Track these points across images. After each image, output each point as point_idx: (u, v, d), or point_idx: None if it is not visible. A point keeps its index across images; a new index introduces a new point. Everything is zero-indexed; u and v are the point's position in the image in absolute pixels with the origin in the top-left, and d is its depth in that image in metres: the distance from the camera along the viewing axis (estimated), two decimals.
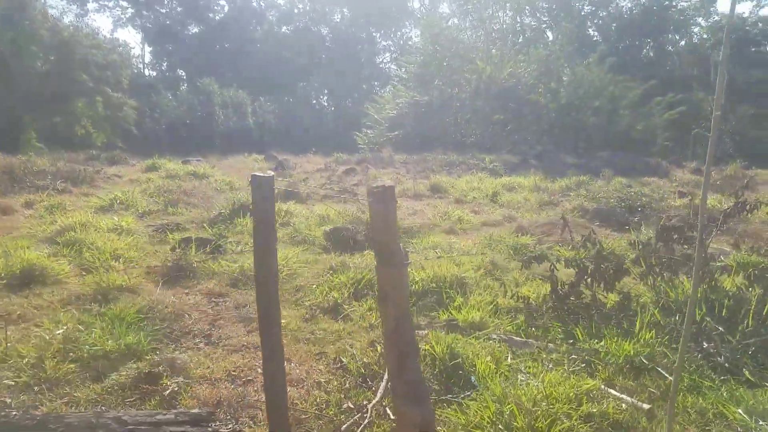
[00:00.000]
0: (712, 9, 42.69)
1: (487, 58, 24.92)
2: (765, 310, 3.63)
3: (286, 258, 5.76)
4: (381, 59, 48.69)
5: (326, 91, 47.42)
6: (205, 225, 7.50)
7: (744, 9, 48.73)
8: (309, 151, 22.72)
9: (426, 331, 3.78)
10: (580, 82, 23.46)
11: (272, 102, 37.84)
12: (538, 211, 9.44)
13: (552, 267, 4.23)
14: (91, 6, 44.94)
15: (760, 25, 39.01)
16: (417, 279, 4.84)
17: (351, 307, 4.57)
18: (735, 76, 36.20)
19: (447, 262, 5.34)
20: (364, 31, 45.82)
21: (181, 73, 43.81)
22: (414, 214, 9.16)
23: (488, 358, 3.41)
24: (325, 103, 47.36)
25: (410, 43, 43.99)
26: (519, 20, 43.22)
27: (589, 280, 4.30)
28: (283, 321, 4.38)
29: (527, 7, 43.39)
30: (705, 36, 41.75)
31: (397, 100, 26.47)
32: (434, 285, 4.78)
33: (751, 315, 3.62)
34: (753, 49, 37.71)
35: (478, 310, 4.24)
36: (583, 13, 43.39)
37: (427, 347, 3.47)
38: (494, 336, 3.87)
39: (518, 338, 3.90)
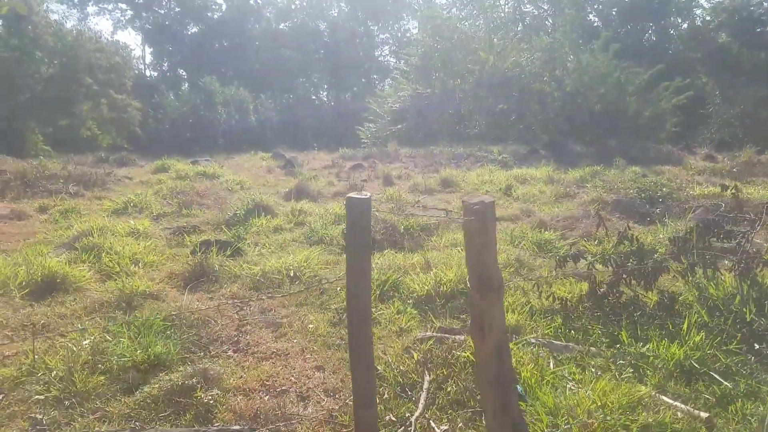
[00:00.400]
0: None
1: (489, 47, 24.55)
2: None
3: (306, 259, 5.66)
4: (380, 53, 48.47)
5: (326, 87, 47.27)
6: (222, 226, 7.40)
7: None
8: (311, 147, 22.57)
9: (463, 336, 3.67)
10: (585, 69, 23.11)
11: (273, 99, 37.67)
12: (554, 203, 9.29)
13: (590, 266, 4.11)
14: (90, 9, 44.52)
15: (765, 4, 38.48)
16: (444, 280, 4.72)
17: (378, 310, 4.46)
18: (741, 57, 35.83)
19: None
20: (362, 25, 45.56)
21: (182, 72, 43.66)
22: (427, 210, 9.03)
23: (531, 365, 3.30)
24: (325, 99, 47.21)
25: (408, 35, 43.81)
26: (519, 9, 42.95)
27: (628, 278, 4.17)
28: (311, 326, 4.31)
29: None
30: (708, 18, 41.28)
31: (398, 93, 26.24)
32: (463, 285, 4.65)
33: None
34: (758, 30, 37.22)
35: (513, 312, 4.13)
36: None
37: (467, 354, 3.35)
38: (533, 340, 3.75)
39: (558, 342, 3.78)
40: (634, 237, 4.48)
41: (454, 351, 3.43)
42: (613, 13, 43.02)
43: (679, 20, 43.57)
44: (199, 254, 5.62)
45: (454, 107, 24.52)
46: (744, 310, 3.78)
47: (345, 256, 6.01)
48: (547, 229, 7.08)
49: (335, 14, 46.41)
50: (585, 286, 4.43)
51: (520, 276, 5.11)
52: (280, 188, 11.10)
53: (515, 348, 3.56)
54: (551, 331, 3.98)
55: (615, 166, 14.10)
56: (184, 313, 4.30)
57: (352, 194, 2.24)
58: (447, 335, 3.70)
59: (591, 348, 3.69)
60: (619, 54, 24.67)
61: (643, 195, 9.56)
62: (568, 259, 4.30)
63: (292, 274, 5.24)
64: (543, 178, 11.78)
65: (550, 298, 4.26)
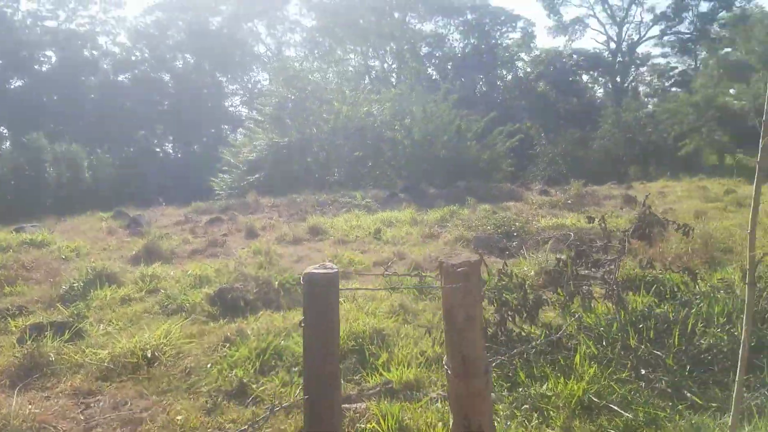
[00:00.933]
0: (532, 44, 48.22)
1: (342, 98, 25.44)
2: (689, 328, 3.71)
3: (166, 334, 4.90)
4: (230, 103, 47.57)
5: (171, 138, 44.94)
6: (56, 304, 6.24)
7: (559, 43, 55.91)
8: (158, 203, 20.94)
9: (364, 405, 3.30)
10: (430, 118, 24.78)
11: (111, 153, 34.68)
12: (422, 244, 9.40)
13: None
14: None
15: (575, 57, 45.01)
16: None
17: (260, 385, 3.92)
18: (558, 103, 41.15)
19: (361, 314, 4.90)
20: (209, 76, 44.42)
21: (3, 130, 38.74)
22: (299, 261, 8.58)
23: (440, 424, 3.03)
24: (171, 150, 44.80)
25: (259, 86, 43.78)
26: (366, 63, 45.30)
27: (513, 314, 4.15)
28: (178, 417, 3.62)
29: (371, 50, 45.67)
30: (528, 69, 47.08)
31: (254, 143, 25.73)
32: (353, 343, 4.30)
33: (676, 334, 3.67)
34: (570, 79, 43.23)
35: (409, 366, 3.86)
36: (422, 54, 46.63)
37: (372, 426, 2.99)
38: (434, 395, 3.50)
39: None
40: (513, 272, 4.52)
41: (358, 424, 3.05)
42: (449, 66, 47.16)
43: (504, 72, 49.00)
44: (28, 342, 4.59)
45: (312, 155, 24.64)
46: (626, 336, 3.90)
47: (208, 324, 5.33)
48: (423, 270, 7.03)
49: (180, 65, 44.77)
50: None
51: (408, 324, 4.89)
52: (126, 252, 9.88)
53: (420, 408, 3.27)
54: None
55: (467, 205, 14.92)
56: (13, 422, 3.38)
57: (312, 269, 1.75)
58: (346, 405, 3.31)
59: (491, 393, 3.54)
60: (458, 104, 26.97)
61: (499, 230, 10.09)
62: None
63: (149, 355, 4.46)
64: (407, 220, 11.98)
65: (444, 344, 4.07)
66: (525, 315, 4.32)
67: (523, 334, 4.20)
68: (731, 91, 27.93)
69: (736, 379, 1.83)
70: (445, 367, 1.74)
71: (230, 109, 46.81)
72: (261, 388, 3.83)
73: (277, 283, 6.26)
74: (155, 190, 28.90)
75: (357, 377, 3.98)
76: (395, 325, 4.75)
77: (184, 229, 13.41)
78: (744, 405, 2.96)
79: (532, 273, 6.41)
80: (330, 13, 44.14)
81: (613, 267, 4.15)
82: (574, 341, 4.05)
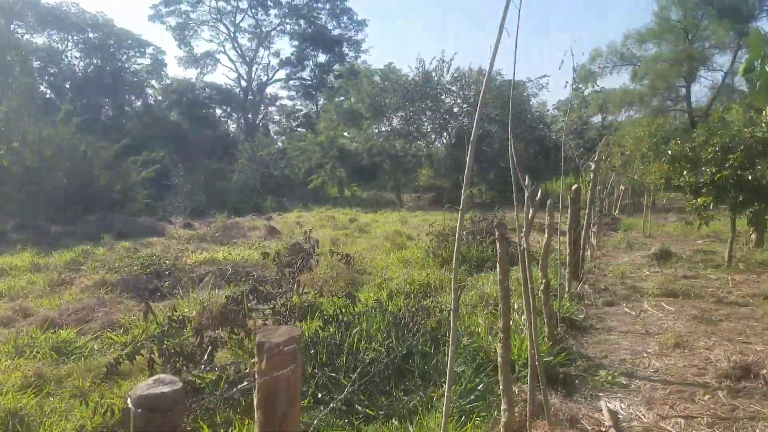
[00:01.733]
0: (163, 72, 47.00)
1: None
2: (354, 347, 4.10)
3: None
4: None
5: None
6: None
7: (191, 74, 55.92)
8: None
9: None
10: (47, 142, 21.44)
11: None
12: (53, 294, 7.85)
13: (150, 361, 3.58)
14: None
15: (207, 90, 45.88)
16: None
17: None
18: (192, 134, 41.01)
19: None
20: None
21: None
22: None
23: None
24: None
25: None
26: None
27: (180, 361, 3.85)
28: None
29: None
30: (160, 98, 45.62)
31: None
32: None
33: (345, 354, 4.02)
34: (204, 111, 43.79)
35: None
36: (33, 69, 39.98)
37: None
38: None
39: None
40: (183, 317, 4.23)
41: None
42: (67, 86, 41.87)
43: (134, 98, 46.24)
44: None
45: None
46: (303, 364, 4.07)
47: None
48: (61, 327, 5.87)
49: None
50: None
51: (53, 396, 3.95)
52: None
53: None
54: None
55: (103, 243, 13.37)
56: None
57: (147, 388, 1.09)
58: None
59: None
60: (82, 128, 24.20)
61: (147, 270, 9.32)
62: (121, 359, 3.62)
63: None
64: (26, 266, 9.87)
65: (106, 412, 3.47)
66: (203, 360, 4.07)
67: (199, 383, 3.93)
68: (346, 134, 33.04)
69: (445, 392, 2.12)
70: None
71: None
72: None
73: None
74: None
75: None
76: (36, 400, 3.79)
77: None
78: (406, 408, 3.46)
79: (194, 313, 6.13)
80: None
81: (285, 300, 4.31)
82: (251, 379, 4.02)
